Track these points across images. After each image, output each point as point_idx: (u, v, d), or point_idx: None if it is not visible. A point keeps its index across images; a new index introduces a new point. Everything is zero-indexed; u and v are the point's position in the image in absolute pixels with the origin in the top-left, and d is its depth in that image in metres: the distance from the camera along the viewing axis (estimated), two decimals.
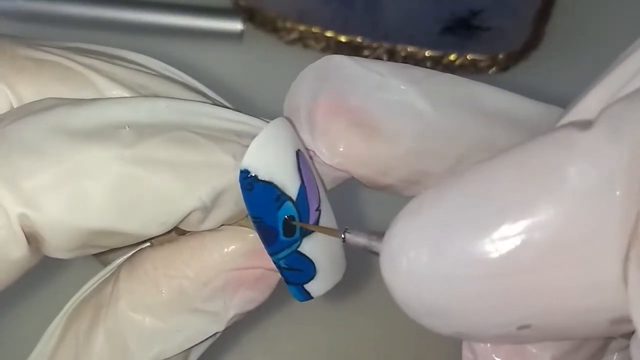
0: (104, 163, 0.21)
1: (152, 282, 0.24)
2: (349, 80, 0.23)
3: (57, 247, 0.22)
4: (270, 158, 0.22)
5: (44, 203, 0.21)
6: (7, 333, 0.40)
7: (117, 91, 0.23)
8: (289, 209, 0.22)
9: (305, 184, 0.23)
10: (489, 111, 0.23)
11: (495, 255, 0.16)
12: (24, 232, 0.21)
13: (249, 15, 0.50)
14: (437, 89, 0.23)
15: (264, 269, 0.24)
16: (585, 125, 0.17)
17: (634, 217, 0.16)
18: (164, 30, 0.50)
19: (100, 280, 0.25)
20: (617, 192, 0.16)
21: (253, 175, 0.22)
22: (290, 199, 0.22)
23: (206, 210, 0.22)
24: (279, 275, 0.24)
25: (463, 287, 0.17)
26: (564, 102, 0.20)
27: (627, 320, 0.16)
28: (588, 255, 0.16)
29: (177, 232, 0.24)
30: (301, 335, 0.41)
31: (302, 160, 0.23)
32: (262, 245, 0.23)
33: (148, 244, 0.24)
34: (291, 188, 0.22)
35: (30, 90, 0.23)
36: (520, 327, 0.17)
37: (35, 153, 0.21)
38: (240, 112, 0.24)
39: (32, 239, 0.21)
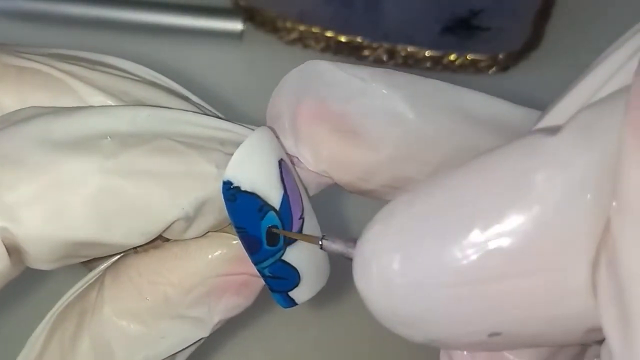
0: (85, 175, 0.21)
1: (137, 289, 0.24)
2: (331, 86, 0.23)
3: (38, 259, 0.22)
4: (253, 168, 0.22)
5: (25, 216, 0.21)
6: None
7: (98, 98, 0.23)
8: (272, 219, 0.22)
9: (288, 192, 0.23)
10: (473, 116, 0.23)
11: (464, 262, 0.16)
12: (5, 245, 0.21)
13: (249, 15, 0.50)
14: (419, 95, 0.23)
15: (248, 275, 0.24)
16: (552, 131, 0.17)
17: (602, 223, 0.16)
18: (164, 30, 0.49)
19: (85, 286, 0.25)
20: (587, 198, 0.16)
21: (236, 186, 0.22)
22: (273, 208, 0.22)
23: (189, 219, 0.22)
24: (262, 281, 0.24)
25: (433, 295, 0.17)
26: None
27: (601, 328, 0.16)
28: (557, 262, 0.16)
29: (161, 238, 0.24)
30: (300, 335, 0.41)
31: (285, 169, 0.23)
32: (245, 251, 0.23)
33: (132, 250, 0.24)
34: (274, 198, 0.22)
35: (11, 98, 0.23)
36: (491, 335, 0.17)
37: (16, 166, 0.21)
38: (224, 119, 0.24)
39: (14, 251, 0.21)
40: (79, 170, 0.21)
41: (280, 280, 0.24)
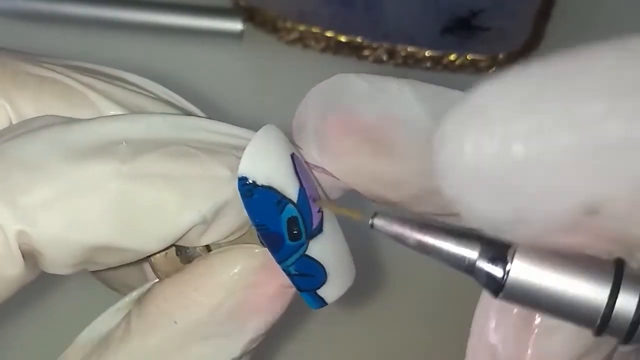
0: (102, 179, 0.21)
1: (166, 316, 0.23)
2: (359, 99, 0.23)
3: (55, 263, 0.22)
4: (266, 163, 0.22)
5: (42, 220, 0.21)
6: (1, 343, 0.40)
7: (115, 111, 0.24)
8: (291, 212, 0.22)
9: (304, 185, 0.23)
10: None
11: (580, 128, 0.16)
12: (21, 249, 0.21)
13: (249, 15, 0.50)
14: (445, 107, 0.23)
15: (275, 286, 0.24)
16: None
17: None
18: (164, 30, 0.50)
19: (108, 325, 0.24)
20: None
21: (251, 181, 0.22)
22: (291, 201, 0.22)
23: (206, 223, 0.22)
24: (292, 291, 0.24)
25: (536, 159, 0.16)
26: None
27: None
28: None
29: (183, 261, 0.24)
30: (303, 335, 0.41)
31: (298, 163, 0.23)
32: (271, 260, 0.23)
33: (155, 280, 0.24)
34: (291, 190, 0.22)
35: (30, 106, 0.23)
36: (589, 212, 0.17)
37: (33, 170, 0.21)
38: (236, 125, 0.24)
39: (29, 255, 0.21)
40: (96, 174, 0.21)
41: (307, 278, 0.23)
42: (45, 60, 0.24)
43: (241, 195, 0.22)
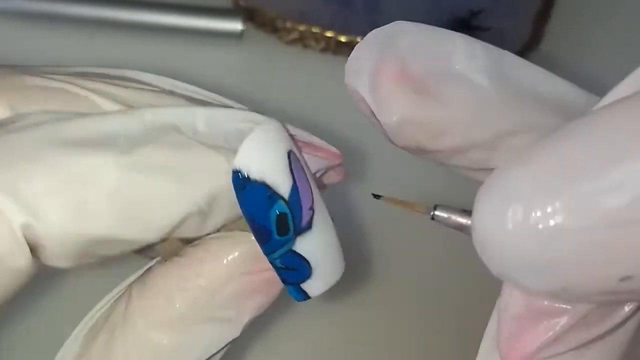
0: (102, 170, 0.21)
1: (166, 297, 0.24)
2: (413, 49, 0.23)
3: (57, 255, 0.22)
4: (261, 158, 0.23)
5: (44, 211, 0.21)
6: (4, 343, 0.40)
7: None
8: (281, 208, 0.23)
9: (297, 183, 0.23)
10: (542, 96, 0.23)
11: (602, 206, 0.16)
12: (27, 241, 0.21)
13: (249, 15, 0.50)
14: (495, 66, 0.24)
15: (272, 270, 0.24)
16: None
17: None
18: (164, 30, 0.50)
19: (111, 302, 0.25)
20: None
21: (245, 175, 0.22)
22: (282, 197, 0.23)
23: (203, 213, 0.23)
24: None
25: (577, 239, 0.17)
26: None
27: None
28: None
29: (183, 241, 0.24)
30: (304, 335, 0.41)
31: (294, 160, 0.23)
32: None
33: (157, 259, 0.25)
34: (283, 187, 0.23)
35: None
36: (623, 279, 0.17)
37: (31, 161, 0.21)
38: (232, 107, 0.24)
39: (32, 247, 0.21)
40: (96, 165, 0.21)
41: (292, 272, 0.24)
42: (48, 70, 0.24)
43: (234, 187, 0.22)
